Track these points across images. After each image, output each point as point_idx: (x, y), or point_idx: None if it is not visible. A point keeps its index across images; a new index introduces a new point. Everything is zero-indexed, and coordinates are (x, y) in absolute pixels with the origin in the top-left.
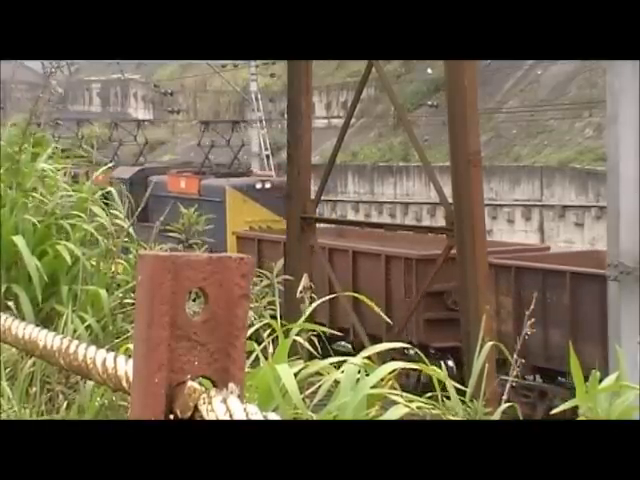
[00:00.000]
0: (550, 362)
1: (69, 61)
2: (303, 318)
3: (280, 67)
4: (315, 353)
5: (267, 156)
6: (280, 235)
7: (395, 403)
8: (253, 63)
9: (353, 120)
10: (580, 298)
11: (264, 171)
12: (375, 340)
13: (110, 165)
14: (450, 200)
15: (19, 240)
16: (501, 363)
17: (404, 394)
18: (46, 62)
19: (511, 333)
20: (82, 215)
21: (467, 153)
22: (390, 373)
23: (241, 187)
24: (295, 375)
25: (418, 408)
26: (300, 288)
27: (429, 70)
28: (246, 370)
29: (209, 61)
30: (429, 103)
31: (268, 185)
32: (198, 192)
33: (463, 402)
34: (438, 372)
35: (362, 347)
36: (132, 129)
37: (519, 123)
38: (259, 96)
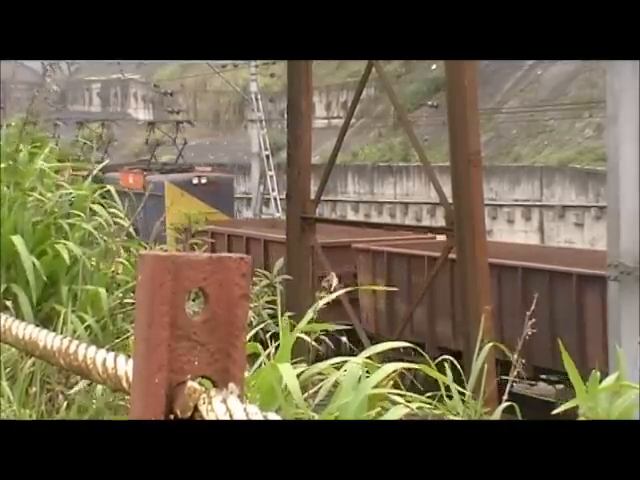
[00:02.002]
0: (417, 336)
1: (69, 61)
2: (307, 318)
3: (280, 67)
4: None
5: (267, 156)
6: (210, 226)
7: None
8: (253, 63)
9: (353, 120)
10: (436, 279)
11: (203, 168)
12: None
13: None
14: (450, 200)
15: (17, 240)
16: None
17: (405, 393)
18: (45, 62)
19: (384, 310)
20: (81, 214)
21: (467, 153)
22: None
23: (179, 182)
24: (297, 376)
25: (419, 408)
26: (333, 285)
27: (434, 66)
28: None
29: (209, 61)
30: (429, 103)
31: (204, 180)
32: (143, 187)
33: (463, 401)
34: (438, 373)
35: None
36: (96, 128)
37: (519, 123)
38: (259, 96)
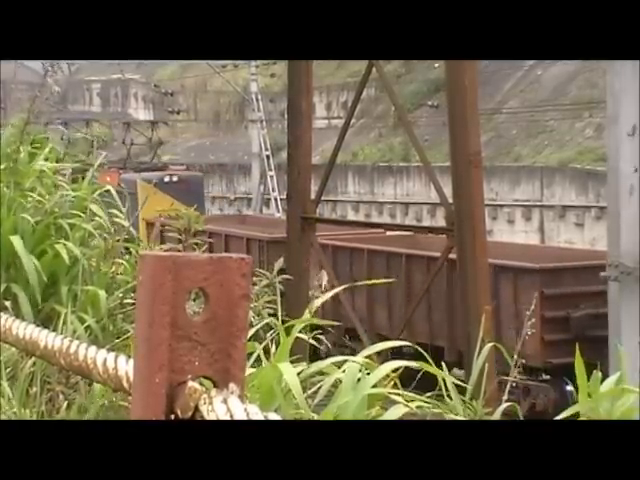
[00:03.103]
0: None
1: (69, 61)
2: (305, 316)
3: (280, 67)
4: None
5: (267, 156)
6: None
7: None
8: (253, 63)
9: (353, 120)
10: (375, 270)
11: (176, 166)
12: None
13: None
14: (450, 200)
15: (16, 240)
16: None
17: (404, 393)
18: (46, 62)
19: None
20: (81, 214)
21: (467, 153)
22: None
23: (151, 180)
24: (297, 375)
25: (418, 407)
26: (323, 284)
27: (437, 64)
28: (247, 370)
29: (209, 61)
30: (429, 103)
31: (175, 178)
32: (118, 185)
33: (463, 401)
34: (439, 371)
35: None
36: (81, 127)
37: (519, 123)
38: (259, 96)
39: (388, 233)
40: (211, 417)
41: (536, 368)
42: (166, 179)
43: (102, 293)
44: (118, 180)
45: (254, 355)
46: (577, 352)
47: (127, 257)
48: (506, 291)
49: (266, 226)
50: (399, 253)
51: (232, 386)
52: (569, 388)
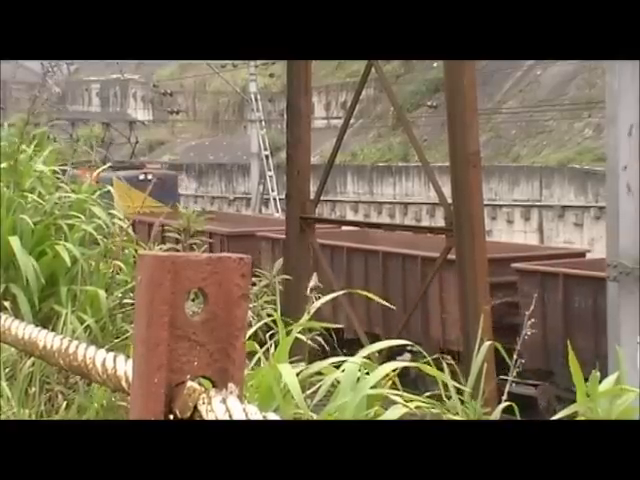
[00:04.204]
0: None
1: (69, 61)
2: (305, 317)
3: (280, 67)
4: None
5: (266, 156)
6: (150, 218)
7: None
8: (252, 63)
9: (352, 120)
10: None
11: (152, 165)
12: None
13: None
14: (449, 200)
15: (15, 241)
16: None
17: (404, 394)
18: (45, 62)
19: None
20: (81, 215)
21: (467, 153)
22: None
23: (126, 178)
24: (296, 375)
25: (417, 408)
26: (310, 286)
27: (435, 64)
28: (247, 370)
29: (209, 61)
30: (428, 103)
31: (150, 176)
32: (96, 183)
33: (462, 401)
34: (438, 372)
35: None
36: (67, 127)
37: (518, 123)
38: (258, 96)
39: (343, 228)
40: (210, 417)
41: (459, 353)
42: (141, 177)
43: (101, 293)
44: (97, 178)
45: (256, 357)
46: (570, 352)
47: (123, 256)
48: (433, 281)
49: (235, 222)
50: (341, 247)
51: (231, 386)
52: None
